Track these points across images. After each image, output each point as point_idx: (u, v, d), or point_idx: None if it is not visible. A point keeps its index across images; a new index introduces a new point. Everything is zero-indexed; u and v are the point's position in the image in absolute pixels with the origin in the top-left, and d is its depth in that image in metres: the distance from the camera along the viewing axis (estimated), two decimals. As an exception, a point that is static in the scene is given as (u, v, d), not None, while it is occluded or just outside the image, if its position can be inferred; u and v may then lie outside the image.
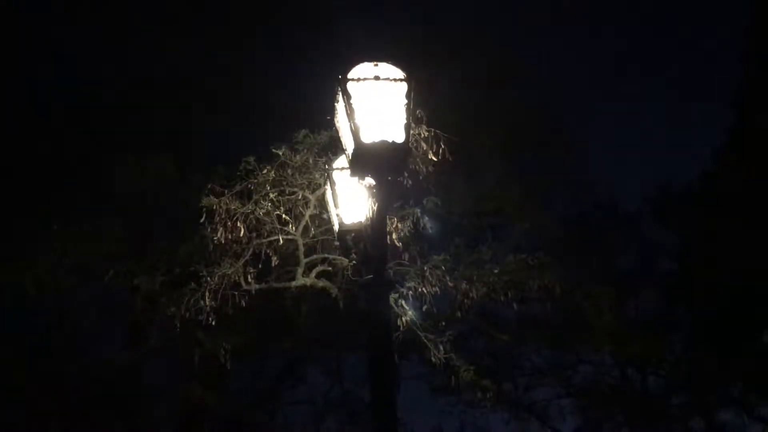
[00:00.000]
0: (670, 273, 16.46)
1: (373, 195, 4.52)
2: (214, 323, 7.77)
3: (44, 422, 12.15)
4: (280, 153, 7.73)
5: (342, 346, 15.36)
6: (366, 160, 4.30)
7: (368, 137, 4.29)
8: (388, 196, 4.54)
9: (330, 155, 7.26)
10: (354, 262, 5.34)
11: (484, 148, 12.01)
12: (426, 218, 8.25)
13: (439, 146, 7.10)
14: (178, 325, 7.91)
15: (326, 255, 8.33)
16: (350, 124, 4.31)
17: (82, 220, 9.89)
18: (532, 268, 9.19)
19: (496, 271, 9.06)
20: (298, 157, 7.83)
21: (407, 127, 4.37)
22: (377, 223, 4.51)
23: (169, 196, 9.93)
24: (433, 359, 8.15)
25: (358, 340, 13.89)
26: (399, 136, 4.32)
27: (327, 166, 5.77)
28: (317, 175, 7.73)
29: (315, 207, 7.87)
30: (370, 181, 4.47)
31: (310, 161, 7.87)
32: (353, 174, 4.49)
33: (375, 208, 4.52)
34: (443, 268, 8.27)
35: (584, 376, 17.24)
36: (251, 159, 7.86)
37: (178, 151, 10.48)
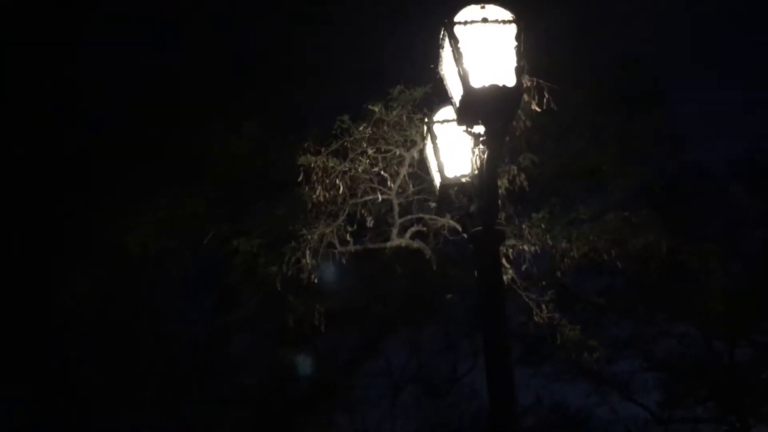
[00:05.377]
0: (763, 240, 15.60)
1: (482, 143, 4.36)
2: (315, 281, 7.81)
3: (140, 384, 12.56)
4: (376, 110, 7.63)
5: (422, 316, 15.19)
6: (476, 106, 4.14)
7: (477, 82, 4.13)
8: (499, 144, 4.38)
9: (426, 111, 7.13)
10: (457, 217, 5.21)
11: (577, 105, 11.58)
12: (522, 176, 8.02)
13: (542, 96, 6.83)
14: (279, 285, 7.99)
15: (421, 215, 8.23)
16: (458, 69, 4.14)
17: (178, 186, 10.13)
18: (635, 225, 8.88)
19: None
20: (393, 113, 7.72)
21: (518, 71, 4.18)
22: (488, 172, 4.34)
23: (263, 159, 10.03)
24: (535, 318, 7.99)
25: (440, 310, 13.81)
26: (510, 80, 4.14)
27: (426, 120, 5.64)
28: (413, 131, 7.61)
29: (410, 166, 7.76)
30: (479, 128, 4.32)
31: (404, 118, 7.75)
32: (461, 122, 4.33)
33: (484, 157, 4.36)
34: (542, 226, 8.07)
35: (668, 349, 16.55)
36: (346, 117, 7.80)
37: (269, 117, 10.55)
